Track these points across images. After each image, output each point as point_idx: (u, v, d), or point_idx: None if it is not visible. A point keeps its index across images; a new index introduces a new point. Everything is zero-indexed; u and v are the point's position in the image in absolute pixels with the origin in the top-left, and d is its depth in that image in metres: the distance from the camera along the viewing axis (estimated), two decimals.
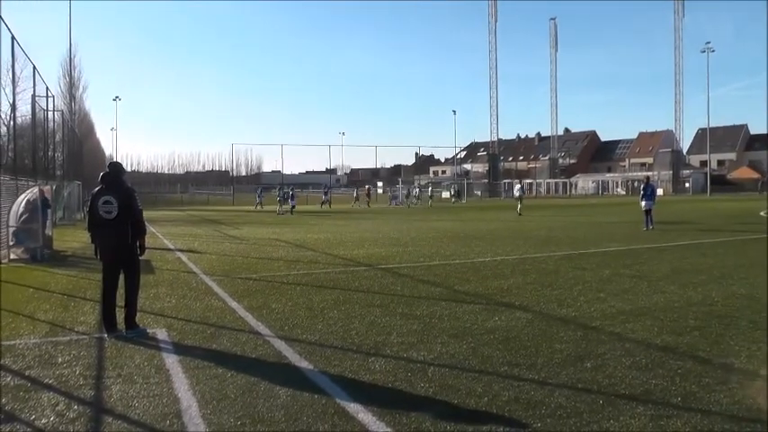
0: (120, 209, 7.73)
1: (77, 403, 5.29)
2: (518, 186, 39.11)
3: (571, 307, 8.90)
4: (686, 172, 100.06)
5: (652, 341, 6.95)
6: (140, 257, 8.10)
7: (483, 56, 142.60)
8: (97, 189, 7.95)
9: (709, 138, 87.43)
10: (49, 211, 18.69)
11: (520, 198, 36.91)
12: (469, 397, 5.21)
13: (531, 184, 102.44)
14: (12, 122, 20.97)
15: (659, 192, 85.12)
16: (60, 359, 6.68)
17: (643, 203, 23.40)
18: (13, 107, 20.19)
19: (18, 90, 20.42)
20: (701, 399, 5.08)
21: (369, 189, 70.21)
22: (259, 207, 55.19)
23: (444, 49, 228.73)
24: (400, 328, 7.77)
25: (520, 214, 34.92)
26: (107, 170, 8.05)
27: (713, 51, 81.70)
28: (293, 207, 45.46)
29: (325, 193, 60.61)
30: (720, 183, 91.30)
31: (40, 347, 7.19)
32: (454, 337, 7.23)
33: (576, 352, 6.55)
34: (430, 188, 74.08)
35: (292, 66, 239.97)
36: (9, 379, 6.01)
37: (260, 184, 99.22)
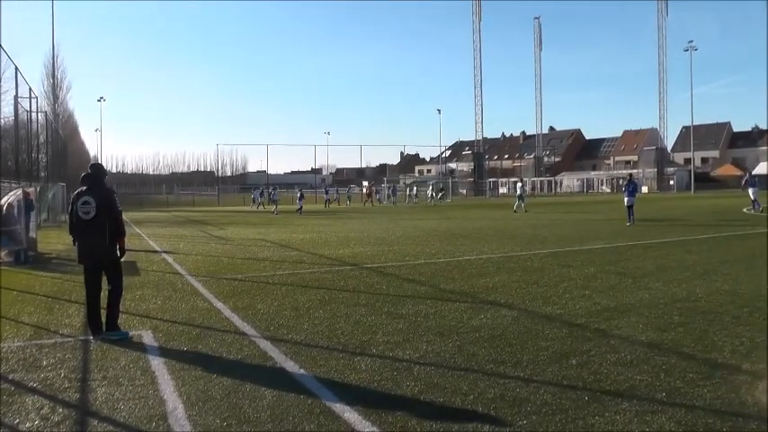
0: (99, 209, 7.66)
1: (62, 406, 5.26)
2: (519, 185, 39.41)
3: (556, 304, 8.94)
4: (671, 169, 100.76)
5: (637, 338, 7.00)
6: (121, 259, 8.03)
7: (467, 55, 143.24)
8: (78, 191, 7.91)
9: (692, 136, 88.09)
10: (33, 213, 18.55)
11: (521, 196, 37.29)
12: (455, 395, 5.23)
13: (515, 182, 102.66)
14: None
15: (644, 189, 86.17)
16: (45, 362, 6.63)
17: (625, 199, 24.63)
18: None
19: (0, 91, 20.29)
20: (685, 394, 5.12)
21: (371, 188, 67.91)
22: (261, 207, 53.75)
23: (429, 48, 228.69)
24: (386, 327, 7.78)
25: (516, 212, 35.49)
26: (88, 171, 8.00)
27: (696, 50, 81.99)
28: (301, 208, 45.56)
29: (327, 192, 60.65)
30: (704, 180, 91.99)
31: (25, 350, 7.14)
32: (440, 336, 7.25)
33: (562, 349, 6.58)
34: (431, 186, 71.82)
35: (277, 66, 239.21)
36: None
37: (247, 184, 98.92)
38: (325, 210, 51.13)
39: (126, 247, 8.14)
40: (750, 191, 31.00)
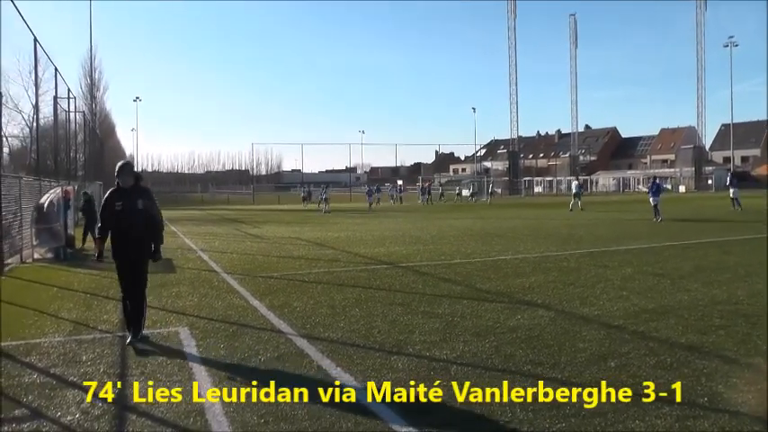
0: None
1: (102, 401, 5.33)
2: (575, 183, 40.39)
3: (594, 305, 8.83)
4: (709, 168, 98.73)
5: (676, 340, 6.88)
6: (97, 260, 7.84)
7: (502, 53, 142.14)
8: None
9: (732, 134, 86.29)
10: (71, 211, 18.87)
11: (577, 194, 38.39)
12: (493, 396, 5.18)
13: (551, 181, 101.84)
14: (35, 124, 21.23)
15: (681, 189, 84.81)
16: (84, 357, 6.74)
17: (651, 199, 26.91)
18: (36, 109, 20.45)
19: (40, 92, 20.65)
20: (728, 399, 5.01)
21: (430, 184, 66.35)
22: (323, 206, 44.72)
23: (464, 47, 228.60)
24: (422, 326, 7.76)
25: (572, 210, 35.97)
26: None
27: (737, 46, 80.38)
28: (371, 203, 47.70)
29: (379, 191, 60.82)
30: (744, 179, 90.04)
31: (65, 346, 7.26)
32: (477, 336, 7.20)
33: (600, 351, 6.49)
34: (491, 185, 70.96)
35: (312, 65, 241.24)
36: (35, 377, 6.07)
37: (282, 182, 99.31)
38: (379, 207, 51.27)
39: (100, 250, 7.77)
40: (732, 191, 32.95)
